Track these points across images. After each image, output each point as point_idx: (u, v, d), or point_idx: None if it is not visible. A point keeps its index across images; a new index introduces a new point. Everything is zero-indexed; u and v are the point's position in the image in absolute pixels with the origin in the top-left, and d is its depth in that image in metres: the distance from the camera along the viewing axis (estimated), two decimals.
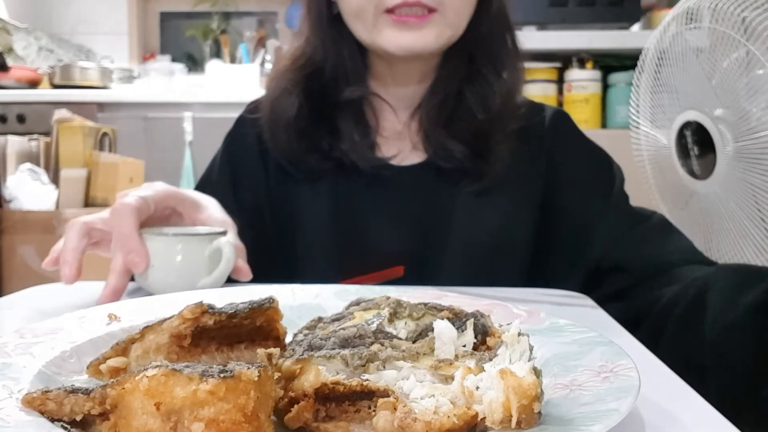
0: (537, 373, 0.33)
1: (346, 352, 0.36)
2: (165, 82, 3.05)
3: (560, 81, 2.25)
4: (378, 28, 0.80)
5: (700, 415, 0.40)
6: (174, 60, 3.35)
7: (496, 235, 0.85)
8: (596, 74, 2.20)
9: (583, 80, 2.20)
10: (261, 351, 0.38)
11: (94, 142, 2.35)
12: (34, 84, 2.96)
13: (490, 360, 0.36)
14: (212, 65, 3.09)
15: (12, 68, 2.92)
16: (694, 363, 0.50)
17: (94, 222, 0.68)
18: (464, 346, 0.39)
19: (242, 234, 0.80)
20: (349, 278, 0.76)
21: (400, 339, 0.40)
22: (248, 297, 0.45)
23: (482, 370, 0.35)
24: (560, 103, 2.22)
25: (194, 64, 3.44)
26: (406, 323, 0.42)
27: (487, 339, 0.40)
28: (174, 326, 0.41)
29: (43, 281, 0.74)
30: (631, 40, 2.10)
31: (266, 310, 0.43)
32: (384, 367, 0.36)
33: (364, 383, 0.35)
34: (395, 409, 0.33)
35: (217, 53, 3.40)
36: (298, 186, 0.87)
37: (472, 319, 0.41)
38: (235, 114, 0.96)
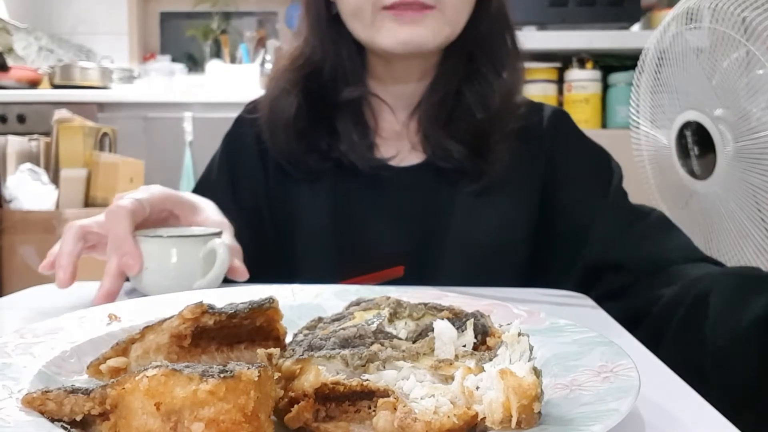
0: (537, 373, 0.33)
1: (346, 352, 0.36)
2: (165, 82, 3.05)
3: (560, 81, 2.25)
4: (376, 25, 0.80)
5: (700, 415, 0.40)
6: (174, 60, 3.35)
7: (496, 235, 0.85)
8: (596, 74, 2.20)
9: (583, 80, 2.20)
10: (261, 351, 0.38)
11: (94, 142, 2.35)
12: (34, 84, 2.96)
13: (490, 360, 0.36)
14: (212, 65, 3.09)
15: (12, 68, 2.93)
16: (695, 366, 0.50)
17: (90, 225, 0.69)
18: (464, 346, 0.39)
19: (241, 234, 0.80)
20: (348, 278, 0.76)
21: (400, 339, 0.40)
22: (248, 297, 0.45)
23: (482, 370, 0.35)
24: (560, 103, 2.22)
25: (194, 64, 3.44)
26: (406, 323, 0.42)
27: (487, 339, 0.40)
28: (174, 326, 0.41)
29: (43, 281, 0.74)
30: (631, 40, 2.10)
31: (266, 310, 0.43)
32: (384, 367, 0.36)
33: (364, 383, 0.35)
34: (395, 409, 0.33)
35: (217, 53, 3.40)
36: (297, 186, 0.87)
37: (472, 319, 0.41)
38: (235, 114, 0.96)
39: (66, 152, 2.28)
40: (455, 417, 0.32)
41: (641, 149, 1.19)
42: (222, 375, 0.30)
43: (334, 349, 0.37)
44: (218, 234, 0.69)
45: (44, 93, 2.88)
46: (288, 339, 0.45)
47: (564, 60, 2.24)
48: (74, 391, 0.33)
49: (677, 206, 1.12)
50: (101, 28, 3.44)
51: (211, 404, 0.30)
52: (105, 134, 2.41)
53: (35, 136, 2.36)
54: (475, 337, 0.40)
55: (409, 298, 0.45)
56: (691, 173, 1.05)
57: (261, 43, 3.30)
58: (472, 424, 0.33)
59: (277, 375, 0.36)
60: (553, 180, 0.87)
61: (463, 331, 0.40)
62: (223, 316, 0.42)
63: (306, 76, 0.87)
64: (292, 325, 0.47)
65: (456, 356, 0.37)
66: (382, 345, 0.38)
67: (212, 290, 0.60)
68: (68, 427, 0.33)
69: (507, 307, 0.53)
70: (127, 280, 0.69)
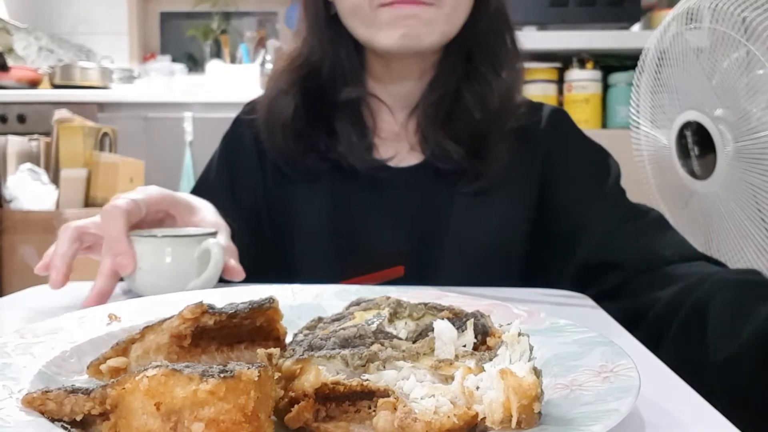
0: (537, 373, 0.33)
1: (346, 352, 0.36)
2: (165, 82, 3.05)
3: (560, 81, 2.25)
4: (375, 23, 0.80)
5: (700, 415, 0.40)
6: (174, 60, 3.35)
7: (495, 235, 0.84)
8: (596, 74, 2.20)
9: (583, 80, 2.20)
10: (261, 351, 0.38)
11: (94, 142, 2.35)
12: (34, 84, 2.96)
13: (491, 360, 0.36)
14: (212, 65, 3.09)
15: (12, 68, 2.93)
16: (694, 371, 0.50)
17: (86, 226, 0.68)
18: (464, 346, 0.39)
19: (240, 234, 0.80)
20: (347, 279, 0.76)
21: (400, 339, 0.40)
22: (248, 297, 0.45)
23: (482, 370, 0.35)
24: (560, 103, 2.22)
25: (194, 64, 3.44)
26: (406, 323, 0.42)
27: (488, 339, 0.40)
28: (174, 326, 0.41)
29: (44, 281, 0.74)
30: (632, 40, 2.10)
31: (266, 310, 0.43)
32: (384, 367, 0.36)
33: (365, 383, 0.35)
34: (395, 409, 0.33)
35: (217, 53, 3.40)
36: (296, 187, 0.87)
37: (472, 319, 0.41)
38: (236, 114, 0.96)
39: (66, 152, 2.28)
40: (455, 417, 0.32)
41: (641, 149, 1.19)
42: (222, 375, 0.30)
43: (334, 349, 0.37)
44: (213, 234, 0.69)
45: (44, 93, 2.88)
46: (288, 339, 0.45)
47: (564, 60, 2.24)
48: (74, 391, 0.33)
49: (677, 206, 1.12)
50: (101, 28, 3.45)
51: (211, 404, 0.30)
52: (105, 134, 2.41)
53: (35, 136, 2.36)
54: (475, 337, 0.40)
55: (409, 298, 0.45)
56: (692, 173, 1.05)
57: (261, 43, 3.30)
58: (472, 424, 0.33)
59: (277, 375, 0.36)
60: (551, 179, 0.87)
61: (463, 331, 0.40)
62: (223, 316, 0.42)
63: (304, 76, 0.87)
64: (292, 325, 0.47)
65: (456, 356, 0.37)
66: (382, 345, 0.38)
67: (212, 290, 0.60)
68: (68, 427, 0.33)
69: (507, 307, 0.53)
70: (122, 280, 0.69)
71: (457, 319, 0.42)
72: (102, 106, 2.86)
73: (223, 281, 0.71)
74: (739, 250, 0.96)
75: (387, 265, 0.79)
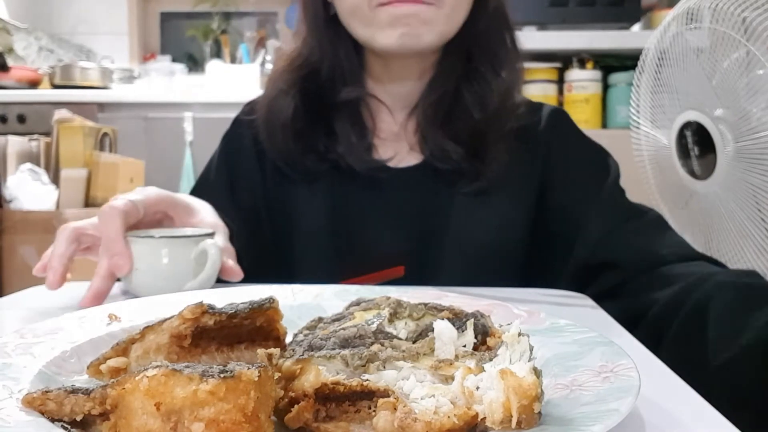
0: (537, 373, 0.33)
1: (346, 352, 0.36)
2: (165, 82, 3.05)
3: (560, 81, 2.25)
4: (374, 23, 0.80)
5: (700, 415, 0.40)
6: (174, 60, 3.35)
7: (494, 235, 0.84)
8: (596, 74, 2.20)
9: (583, 80, 2.20)
10: (261, 351, 0.38)
11: (94, 142, 2.35)
12: (34, 84, 2.96)
13: (491, 360, 0.36)
14: (212, 65, 3.09)
15: (12, 68, 2.93)
16: (694, 372, 0.49)
17: (84, 227, 0.68)
18: (464, 346, 0.39)
19: (239, 235, 0.80)
20: (346, 279, 0.76)
21: (400, 339, 0.40)
22: (248, 297, 0.45)
23: (482, 370, 0.35)
24: (560, 103, 2.22)
25: (194, 64, 3.44)
26: (406, 323, 0.42)
27: (488, 339, 0.40)
28: (174, 326, 0.41)
29: (43, 282, 0.74)
30: (632, 41, 2.10)
31: (266, 310, 0.43)
32: (384, 367, 0.36)
33: (365, 383, 0.35)
34: (395, 409, 0.33)
35: (217, 53, 3.40)
36: (295, 187, 0.87)
37: (472, 320, 0.41)
38: (236, 114, 0.96)
39: (66, 152, 2.28)
40: (455, 417, 0.32)
41: (641, 149, 1.19)
42: (222, 375, 0.30)
43: (334, 349, 0.37)
44: (210, 235, 0.69)
45: (44, 93, 2.88)
46: (288, 339, 0.45)
47: (564, 60, 2.24)
48: (74, 391, 0.33)
49: (677, 206, 1.12)
50: (101, 28, 3.45)
51: (211, 404, 0.30)
52: (105, 134, 2.41)
53: (35, 136, 2.36)
54: (476, 337, 0.40)
55: (409, 299, 0.45)
56: (692, 173, 1.05)
57: (261, 43, 3.30)
58: (472, 424, 0.33)
59: (277, 375, 0.36)
60: (550, 179, 0.87)
61: (463, 331, 0.40)
62: (223, 316, 0.42)
63: (304, 77, 0.87)
64: (292, 325, 0.47)
65: (456, 356, 0.37)
66: (382, 345, 0.38)
67: (212, 290, 0.60)
68: (68, 427, 0.33)
69: (507, 307, 0.53)
70: (120, 280, 0.69)
71: (457, 319, 0.42)
72: (102, 106, 2.86)
73: (221, 282, 0.71)
74: (739, 250, 0.96)
75: (386, 266, 0.79)
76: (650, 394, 0.40)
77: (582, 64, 2.21)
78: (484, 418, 0.33)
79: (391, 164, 0.86)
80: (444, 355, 0.37)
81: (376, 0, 0.78)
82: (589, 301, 0.69)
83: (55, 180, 2.24)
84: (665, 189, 1.15)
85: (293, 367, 0.36)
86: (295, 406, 0.35)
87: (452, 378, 0.35)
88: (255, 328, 0.44)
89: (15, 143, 2.28)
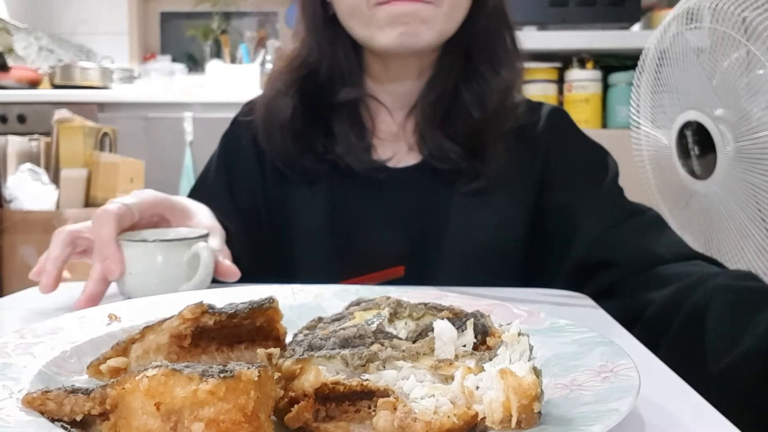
0: (537, 372, 0.33)
1: (346, 352, 0.36)
2: (165, 82, 3.05)
3: (560, 81, 2.25)
4: (373, 22, 0.80)
5: (701, 415, 0.40)
6: (174, 60, 3.35)
7: (493, 235, 0.84)
8: (597, 74, 2.20)
9: (583, 80, 2.20)
10: (261, 351, 0.38)
11: (94, 142, 2.35)
12: (34, 84, 2.96)
13: (490, 360, 0.36)
14: (212, 65, 3.09)
15: (12, 68, 2.92)
16: (691, 377, 0.49)
17: (80, 230, 0.68)
18: (464, 346, 0.39)
19: (239, 235, 0.79)
20: (345, 279, 0.76)
21: (400, 339, 0.40)
22: (248, 297, 0.45)
23: (482, 369, 0.35)
24: (560, 103, 2.22)
25: (194, 64, 3.44)
26: (406, 323, 0.42)
27: (487, 339, 0.40)
28: (174, 326, 0.41)
29: None
30: (632, 40, 2.10)
31: (266, 310, 0.43)
32: (384, 367, 0.36)
33: (364, 383, 0.35)
34: (395, 409, 0.33)
35: (217, 53, 3.40)
36: (294, 188, 0.87)
37: (472, 319, 0.41)
38: (235, 114, 0.96)
39: (66, 152, 2.28)
40: (455, 417, 0.32)
41: (641, 149, 1.19)
42: (222, 375, 0.30)
43: (334, 349, 0.37)
44: (204, 236, 0.69)
45: (44, 93, 2.88)
46: (288, 339, 0.45)
47: (564, 60, 2.24)
48: (74, 391, 0.33)
49: (677, 206, 1.13)
50: (101, 28, 3.45)
51: (211, 404, 0.30)
52: (105, 134, 2.41)
53: (35, 136, 2.36)
54: (475, 337, 0.40)
55: (409, 298, 0.45)
56: (692, 173, 1.05)
57: (261, 43, 3.30)
58: (472, 423, 0.33)
59: (277, 375, 0.36)
60: (549, 178, 0.87)
61: (463, 331, 0.40)
62: (223, 316, 0.42)
63: (303, 77, 0.87)
64: (292, 325, 0.47)
65: (456, 356, 0.37)
66: (382, 345, 0.38)
67: (212, 290, 0.60)
68: (68, 427, 0.33)
69: (507, 307, 0.53)
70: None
71: (457, 319, 0.42)
72: (102, 106, 2.86)
73: (219, 282, 0.70)
74: (740, 250, 0.96)
75: (386, 266, 0.79)
76: (650, 394, 0.40)
77: (582, 64, 2.21)
78: (484, 417, 0.33)
79: (390, 164, 0.86)
80: (444, 355, 0.37)
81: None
82: (589, 301, 0.69)
83: (55, 180, 2.24)
84: (665, 189, 1.15)
85: (293, 366, 0.36)
86: (295, 406, 0.35)
87: (452, 378, 0.35)
88: (255, 328, 0.44)
89: (15, 143, 2.28)
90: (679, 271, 0.70)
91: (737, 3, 0.90)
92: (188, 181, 2.74)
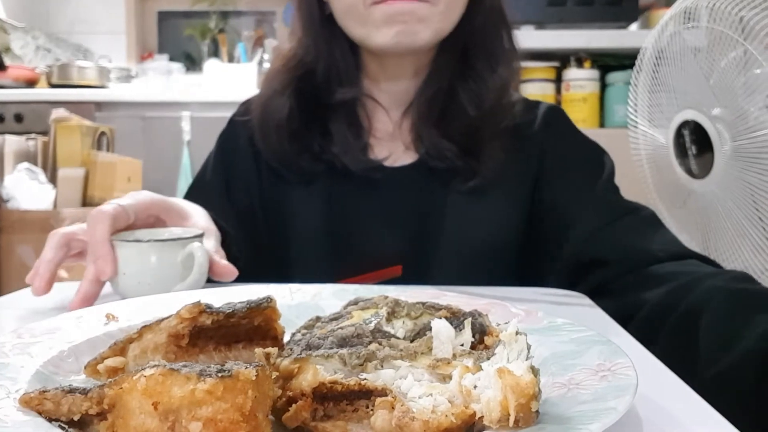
0: (535, 371, 0.33)
1: (344, 351, 0.36)
2: (163, 81, 3.05)
3: (558, 80, 2.25)
4: (369, 21, 0.80)
5: (699, 414, 0.40)
6: (172, 59, 3.35)
7: (489, 233, 0.84)
8: (594, 73, 2.20)
9: (581, 79, 2.20)
10: (259, 350, 0.38)
11: (91, 141, 2.34)
12: (31, 83, 2.95)
13: (488, 359, 0.36)
14: (210, 64, 3.09)
15: (9, 67, 2.92)
16: (686, 378, 0.49)
17: (75, 232, 0.68)
18: (462, 345, 0.39)
19: (236, 235, 0.79)
20: (342, 279, 0.76)
21: (398, 338, 0.40)
22: (246, 297, 0.45)
23: (480, 369, 0.35)
24: (558, 102, 2.22)
25: (192, 63, 3.43)
26: (404, 322, 0.42)
27: (485, 338, 0.40)
28: (172, 326, 0.41)
29: None
30: (629, 40, 2.11)
31: (264, 309, 0.43)
32: (382, 366, 0.36)
33: (362, 382, 0.35)
34: (393, 408, 0.33)
35: (215, 52, 3.40)
36: (291, 188, 0.87)
37: (470, 319, 0.41)
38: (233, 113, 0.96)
39: (63, 151, 2.28)
40: (453, 416, 0.32)
41: (639, 148, 1.19)
42: (220, 374, 0.30)
43: (332, 348, 0.37)
44: (199, 236, 0.68)
45: (42, 92, 2.87)
46: (286, 338, 0.45)
47: (562, 59, 2.24)
48: (72, 390, 0.33)
49: (675, 205, 1.13)
50: (99, 27, 3.44)
51: (208, 404, 0.30)
52: (103, 133, 2.40)
53: (33, 136, 2.36)
54: (473, 336, 0.40)
55: (407, 298, 0.45)
56: (689, 172, 1.05)
57: (259, 42, 3.30)
58: (469, 423, 0.33)
59: (275, 374, 0.36)
60: (545, 176, 0.87)
61: (460, 330, 0.40)
62: (221, 316, 0.42)
63: (299, 77, 0.87)
64: (290, 324, 0.47)
65: (454, 355, 0.38)
66: (380, 344, 0.38)
67: (210, 290, 0.60)
68: (66, 426, 0.33)
69: (505, 306, 0.53)
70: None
71: (455, 318, 0.42)
72: (99, 105, 2.85)
73: (215, 282, 0.70)
74: (737, 249, 0.96)
75: (383, 265, 0.79)
76: (648, 393, 0.40)
77: (580, 64, 2.21)
78: (482, 416, 0.33)
79: (387, 163, 0.86)
80: (442, 354, 0.37)
81: None
82: (587, 300, 0.69)
83: (53, 179, 2.23)
84: (663, 188, 1.15)
85: (291, 366, 0.36)
86: (293, 406, 0.35)
87: (450, 377, 0.35)
88: (253, 328, 0.44)
89: (12, 142, 2.27)
90: (673, 271, 0.70)
91: (734, 2, 0.90)
92: (186, 180, 2.74)
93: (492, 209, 0.85)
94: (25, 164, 2.22)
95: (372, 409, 0.34)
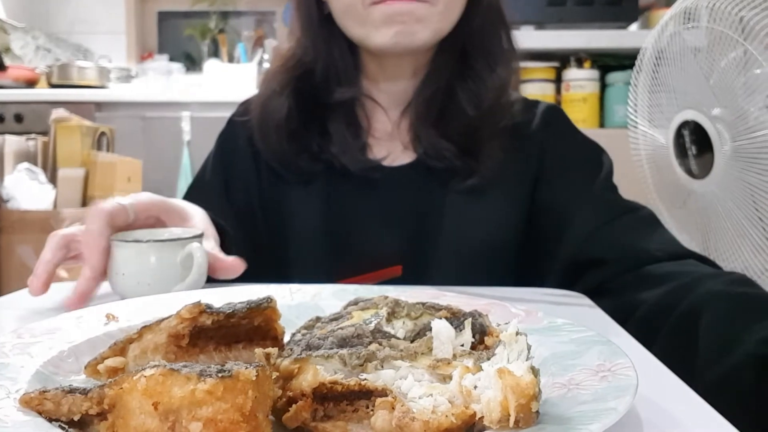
0: (535, 372, 0.33)
1: (344, 351, 0.36)
2: (163, 81, 3.05)
3: (558, 80, 2.25)
4: (368, 21, 0.80)
5: (699, 414, 0.40)
6: (172, 59, 3.35)
7: (488, 233, 0.84)
8: (594, 74, 2.20)
9: (581, 80, 2.20)
10: (259, 351, 0.38)
11: (91, 141, 2.34)
12: (31, 83, 2.95)
13: (488, 359, 0.36)
14: (210, 65, 3.09)
15: (9, 68, 2.92)
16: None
17: (74, 234, 0.68)
18: (462, 345, 0.39)
19: (235, 236, 0.79)
20: (341, 279, 0.76)
21: (398, 338, 0.40)
22: (246, 297, 0.45)
23: (480, 369, 0.35)
24: (558, 103, 2.22)
25: (192, 63, 3.43)
26: (404, 323, 0.42)
27: (485, 338, 0.40)
28: (172, 326, 0.41)
29: None
30: (629, 40, 2.11)
31: (264, 309, 0.43)
32: (382, 366, 0.36)
33: (362, 383, 0.35)
34: (393, 408, 0.33)
35: (215, 53, 3.40)
36: (290, 188, 0.87)
37: (470, 319, 0.41)
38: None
39: (63, 152, 2.28)
40: (453, 416, 0.32)
41: (639, 148, 1.19)
42: (220, 374, 0.30)
43: (332, 348, 0.37)
44: (198, 237, 0.68)
45: (42, 92, 2.87)
46: (286, 339, 0.45)
47: (562, 59, 2.24)
48: (72, 390, 0.33)
49: (675, 206, 1.13)
50: (99, 27, 3.44)
51: (209, 404, 0.30)
52: (103, 134, 2.40)
53: (33, 136, 2.35)
54: (473, 337, 0.40)
55: (407, 298, 0.45)
56: (689, 172, 1.05)
57: (259, 42, 3.30)
58: (470, 423, 0.33)
59: (275, 374, 0.36)
60: (543, 175, 0.87)
61: (461, 331, 0.40)
62: (221, 316, 0.42)
63: (298, 77, 0.87)
64: (290, 324, 0.47)
65: (454, 355, 0.38)
66: (380, 344, 0.38)
67: (210, 290, 0.60)
68: (66, 426, 0.33)
69: (505, 307, 0.53)
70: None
71: (455, 318, 0.42)
72: (99, 105, 2.85)
73: (213, 282, 0.70)
74: (737, 249, 0.96)
75: (382, 265, 0.79)
76: (648, 393, 0.40)
77: (580, 64, 2.21)
78: (482, 417, 0.33)
79: (385, 163, 0.86)
80: (442, 355, 0.37)
81: None
82: (587, 300, 0.69)
83: (53, 179, 2.23)
84: (663, 188, 1.15)
85: (291, 366, 0.36)
86: (293, 406, 0.35)
87: (450, 377, 0.35)
88: (253, 328, 0.44)
89: (12, 143, 2.27)
90: (671, 271, 0.70)
91: (734, 2, 0.90)
92: (186, 180, 2.74)
93: (491, 209, 0.85)
94: (25, 164, 2.22)
95: (372, 410, 0.34)
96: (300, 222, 0.86)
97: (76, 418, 0.33)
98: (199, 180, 0.93)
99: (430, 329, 0.39)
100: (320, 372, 0.35)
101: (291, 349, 0.38)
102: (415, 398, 0.34)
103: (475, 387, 0.34)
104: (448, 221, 0.84)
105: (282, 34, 3.38)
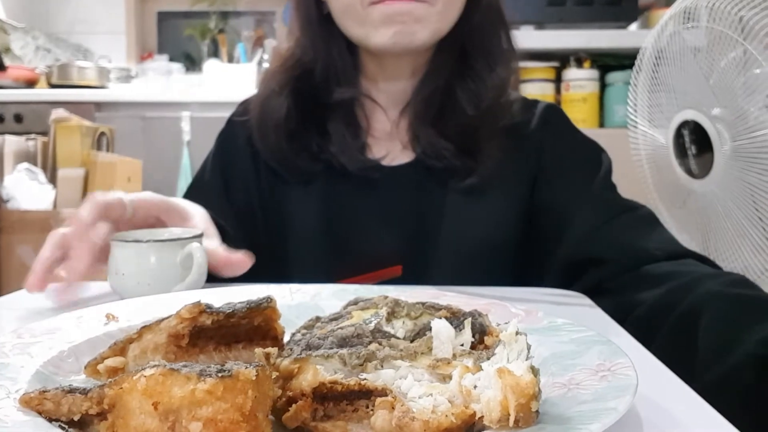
0: (535, 371, 0.33)
1: (344, 351, 0.36)
2: (163, 81, 3.05)
3: (558, 80, 2.25)
4: (367, 21, 0.80)
5: (698, 414, 0.40)
6: (172, 59, 3.35)
7: (487, 232, 0.84)
8: (594, 73, 2.20)
9: (580, 80, 2.20)
10: (259, 350, 0.38)
11: (91, 141, 2.34)
12: (31, 83, 2.95)
13: (488, 359, 0.36)
14: (210, 65, 3.09)
15: (9, 68, 2.92)
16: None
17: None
18: (462, 345, 0.39)
19: (235, 236, 0.79)
20: (341, 279, 0.76)
21: (398, 338, 0.40)
22: (246, 297, 0.45)
23: (480, 369, 0.35)
24: (558, 102, 2.22)
25: (192, 63, 3.43)
26: (404, 322, 0.42)
27: (485, 338, 0.40)
28: (172, 326, 0.41)
29: None
30: (629, 40, 2.11)
31: (264, 309, 0.43)
32: (382, 366, 0.36)
33: (362, 382, 0.35)
34: (393, 408, 0.33)
35: (214, 53, 3.40)
36: (289, 188, 0.87)
37: (470, 319, 0.41)
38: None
39: (63, 152, 2.28)
40: (453, 416, 0.32)
41: (639, 148, 1.19)
42: (220, 374, 0.30)
43: (332, 348, 0.37)
44: (198, 236, 0.68)
45: (41, 92, 2.87)
46: (286, 338, 0.45)
47: (562, 59, 2.24)
48: (72, 390, 0.33)
49: (675, 205, 1.13)
50: (99, 27, 3.44)
51: (208, 404, 0.30)
52: (102, 134, 2.40)
53: (32, 136, 2.35)
54: (473, 336, 0.40)
55: (407, 298, 0.45)
56: (689, 172, 1.05)
57: (259, 42, 3.30)
58: (470, 423, 0.33)
59: (275, 374, 0.36)
60: (542, 175, 0.86)
61: (460, 330, 0.40)
62: (221, 316, 0.42)
63: (297, 77, 0.87)
64: (290, 324, 0.47)
65: (454, 355, 0.38)
66: (380, 344, 0.38)
67: (210, 290, 0.60)
68: (66, 426, 0.33)
69: (505, 307, 0.53)
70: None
71: (455, 318, 0.42)
72: (99, 105, 2.85)
73: (213, 282, 0.70)
74: (737, 249, 0.96)
75: (381, 265, 0.79)
76: (648, 393, 0.40)
77: (579, 64, 2.21)
78: (482, 416, 0.33)
79: (384, 163, 0.86)
80: (442, 354, 0.37)
81: None
82: (587, 300, 0.69)
83: (53, 179, 2.23)
84: (662, 188, 1.15)
85: (291, 366, 0.36)
86: (293, 406, 0.35)
87: (450, 377, 0.35)
88: (253, 328, 0.44)
89: (12, 143, 2.27)
90: (670, 270, 0.69)
91: (734, 2, 0.90)
92: (186, 180, 2.74)
93: (490, 208, 0.85)
94: (25, 164, 2.22)
95: (372, 409, 0.34)
96: (299, 222, 0.86)
97: (76, 418, 0.33)
98: (199, 180, 0.93)
99: (430, 329, 0.39)
100: (320, 372, 0.35)
101: (291, 349, 0.38)
102: (414, 398, 0.34)
103: (475, 387, 0.34)
104: (447, 221, 0.84)
105: (282, 34, 3.38)
